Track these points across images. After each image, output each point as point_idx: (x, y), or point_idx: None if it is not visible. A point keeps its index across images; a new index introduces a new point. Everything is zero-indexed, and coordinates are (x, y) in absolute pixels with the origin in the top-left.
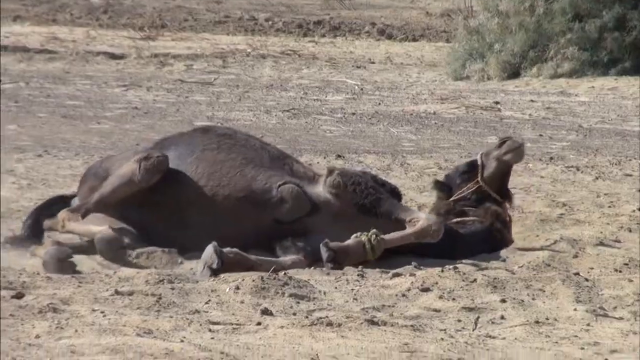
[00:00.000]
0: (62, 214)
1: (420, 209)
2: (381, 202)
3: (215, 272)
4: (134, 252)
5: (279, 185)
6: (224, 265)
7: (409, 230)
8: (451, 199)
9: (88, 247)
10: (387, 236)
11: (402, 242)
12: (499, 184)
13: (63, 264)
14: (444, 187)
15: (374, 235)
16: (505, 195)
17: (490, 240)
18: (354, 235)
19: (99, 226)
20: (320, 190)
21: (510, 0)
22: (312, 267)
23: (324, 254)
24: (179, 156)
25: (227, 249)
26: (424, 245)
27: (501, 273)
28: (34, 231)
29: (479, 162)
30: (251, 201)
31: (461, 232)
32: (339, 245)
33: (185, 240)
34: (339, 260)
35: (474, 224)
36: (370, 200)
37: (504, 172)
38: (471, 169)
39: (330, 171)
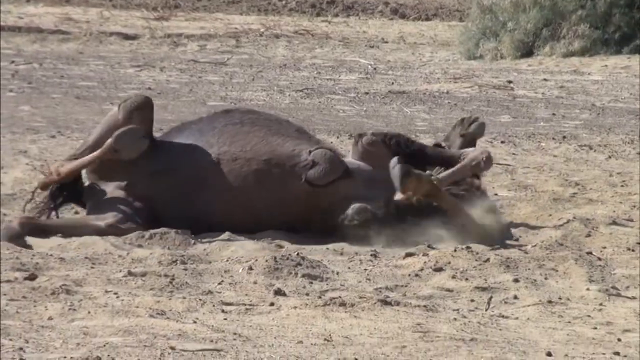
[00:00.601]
0: (55, 163)
1: None
2: (426, 147)
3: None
4: (147, 233)
5: (310, 151)
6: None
7: (462, 163)
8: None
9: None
10: (443, 174)
11: (460, 175)
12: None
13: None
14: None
15: (432, 176)
16: None
17: None
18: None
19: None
20: (350, 158)
21: None
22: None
23: (397, 167)
24: (200, 130)
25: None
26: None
27: (514, 253)
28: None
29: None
30: (277, 164)
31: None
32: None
33: (206, 213)
34: (411, 177)
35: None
36: (414, 147)
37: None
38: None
39: (360, 135)
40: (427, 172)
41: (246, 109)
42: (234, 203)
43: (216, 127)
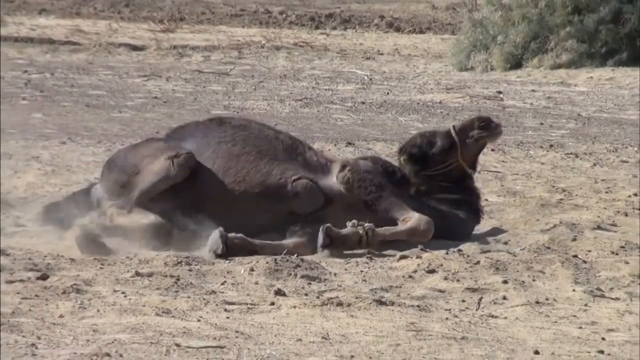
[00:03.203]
0: (110, 209)
1: None
2: (380, 200)
3: (219, 257)
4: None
5: (294, 180)
6: (229, 250)
7: (400, 227)
8: (426, 173)
9: (112, 231)
10: (381, 230)
11: (394, 237)
12: (474, 161)
13: (95, 244)
14: (418, 161)
15: (370, 229)
16: (474, 167)
17: (476, 215)
18: (351, 223)
19: (145, 218)
20: (334, 182)
21: None
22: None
23: (321, 239)
24: (197, 149)
25: (231, 234)
26: None
27: (503, 255)
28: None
29: (456, 140)
30: (267, 195)
31: (451, 212)
32: (337, 233)
33: (202, 230)
34: (334, 247)
35: (459, 202)
36: (372, 197)
37: (481, 151)
38: (450, 146)
39: (343, 166)
40: (368, 223)
41: (237, 120)
42: (232, 221)
43: (211, 145)
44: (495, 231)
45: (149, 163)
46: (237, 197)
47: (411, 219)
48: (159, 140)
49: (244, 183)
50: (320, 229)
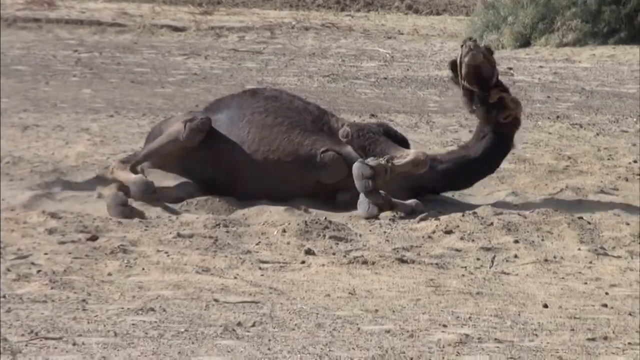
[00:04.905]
0: (113, 162)
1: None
2: (377, 143)
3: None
4: (194, 200)
5: (322, 152)
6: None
7: (404, 159)
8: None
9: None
10: (396, 161)
11: (403, 169)
12: (480, 81)
13: (124, 209)
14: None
15: (388, 160)
16: (495, 87)
17: (502, 143)
18: (371, 158)
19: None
20: (350, 149)
21: None
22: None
23: (362, 175)
24: (231, 120)
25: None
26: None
27: (515, 217)
28: None
29: (458, 62)
30: (298, 165)
31: (473, 154)
32: (366, 165)
33: (236, 194)
34: (374, 184)
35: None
36: (368, 142)
37: (473, 72)
38: (454, 68)
39: (342, 124)
40: (384, 158)
41: (270, 91)
42: (263, 187)
43: (245, 116)
44: (507, 195)
45: (168, 126)
46: (270, 165)
47: (409, 153)
48: (196, 112)
49: (278, 152)
50: (356, 165)
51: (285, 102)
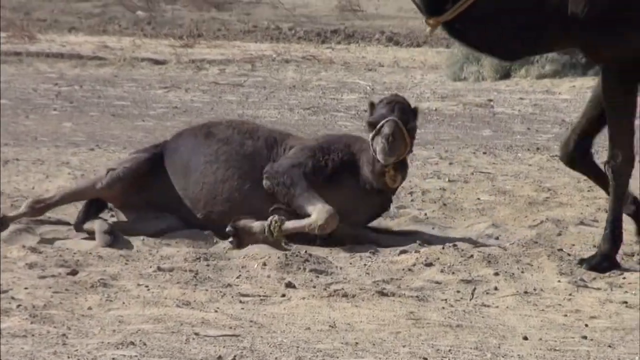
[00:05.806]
0: (27, 202)
1: (424, 194)
2: (294, 199)
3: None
4: (175, 233)
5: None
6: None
7: (303, 221)
8: None
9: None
10: (289, 222)
11: (299, 230)
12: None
13: (110, 237)
14: None
15: (276, 221)
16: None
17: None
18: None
19: None
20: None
21: None
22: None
23: (229, 231)
24: (186, 166)
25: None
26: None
27: (495, 250)
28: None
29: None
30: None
31: None
32: (244, 224)
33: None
34: (240, 237)
35: None
36: (287, 199)
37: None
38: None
39: (265, 172)
40: (277, 216)
41: (223, 132)
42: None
43: (199, 166)
44: (488, 227)
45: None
46: (222, 214)
47: (313, 212)
48: (156, 146)
49: (229, 205)
50: (229, 224)
51: (236, 145)
